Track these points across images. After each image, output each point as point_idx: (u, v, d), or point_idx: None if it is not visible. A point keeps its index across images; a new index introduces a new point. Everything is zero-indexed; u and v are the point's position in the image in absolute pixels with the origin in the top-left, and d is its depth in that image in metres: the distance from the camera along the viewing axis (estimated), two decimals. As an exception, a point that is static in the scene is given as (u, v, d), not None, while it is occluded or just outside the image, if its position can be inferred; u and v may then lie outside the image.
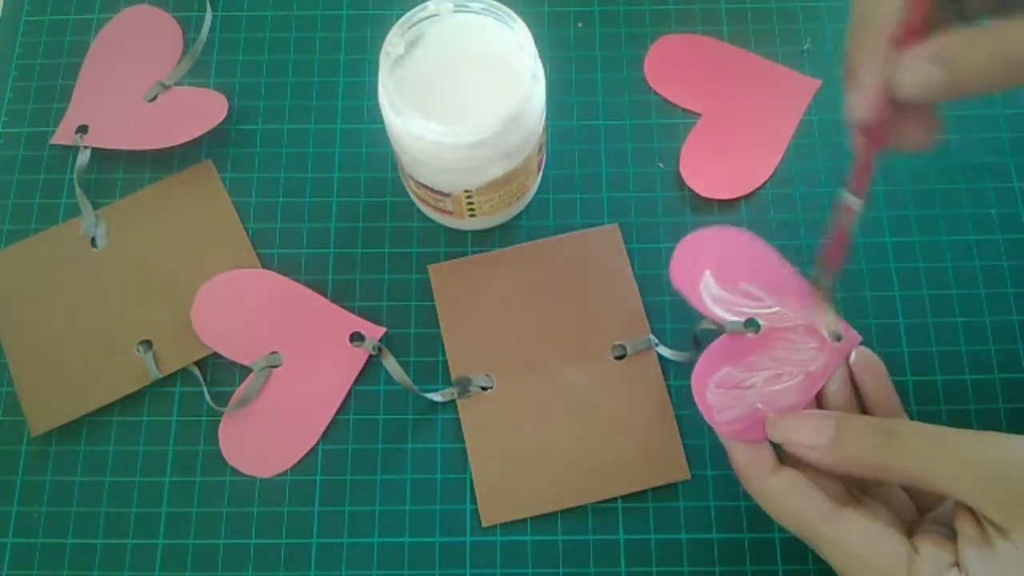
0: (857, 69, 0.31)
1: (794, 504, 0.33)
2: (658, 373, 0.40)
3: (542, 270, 0.42)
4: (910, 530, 0.32)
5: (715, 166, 0.44)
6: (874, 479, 0.33)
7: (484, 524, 0.39)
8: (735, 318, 0.36)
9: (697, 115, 0.45)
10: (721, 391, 0.35)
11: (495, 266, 0.43)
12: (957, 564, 0.29)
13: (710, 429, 0.36)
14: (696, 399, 0.35)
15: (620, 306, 0.41)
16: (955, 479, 0.30)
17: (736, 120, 0.45)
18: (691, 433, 0.40)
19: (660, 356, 0.41)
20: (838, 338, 0.35)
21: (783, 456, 0.34)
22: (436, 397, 0.40)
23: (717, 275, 0.36)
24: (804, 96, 0.46)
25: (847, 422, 0.32)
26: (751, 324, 0.36)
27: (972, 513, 0.30)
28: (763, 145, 0.45)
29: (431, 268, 0.43)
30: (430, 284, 0.43)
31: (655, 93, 0.46)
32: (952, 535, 0.31)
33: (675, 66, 0.46)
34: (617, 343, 0.41)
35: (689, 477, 0.39)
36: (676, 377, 0.41)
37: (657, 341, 0.41)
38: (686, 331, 0.41)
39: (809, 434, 0.33)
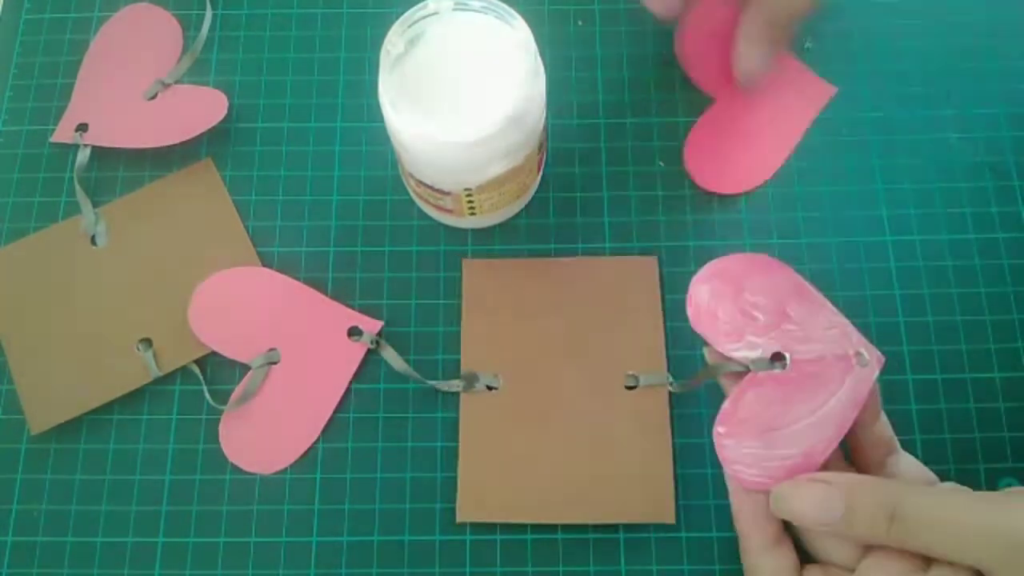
0: None
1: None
2: (665, 411, 0.40)
3: (573, 287, 0.42)
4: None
5: (720, 156, 0.44)
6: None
7: (459, 520, 0.39)
8: (757, 355, 0.34)
9: (710, 99, 0.45)
10: (750, 445, 0.33)
11: (528, 273, 0.42)
12: None
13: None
14: (720, 456, 0.33)
15: (642, 338, 0.41)
16: (965, 551, 0.29)
17: (749, 111, 0.45)
18: (691, 463, 0.39)
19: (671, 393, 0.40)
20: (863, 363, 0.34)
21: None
22: (441, 386, 0.40)
23: (732, 309, 0.35)
24: (819, 100, 0.45)
25: (854, 500, 0.31)
26: (778, 361, 0.34)
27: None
28: (771, 142, 0.45)
29: (464, 262, 0.43)
30: (429, 282, 0.43)
31: (677, 68, 0.46)
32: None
33: (709, 40, 0.45)
34: (630, 373, 0.40)
35: (673, 521, 0.38)
36: (680, 406, 0.40)
37: (672, 380, 0.40)
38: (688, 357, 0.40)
39: (816, 513, 0.31)
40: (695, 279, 0.36)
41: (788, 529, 0.34)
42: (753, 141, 0.45)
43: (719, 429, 0.34)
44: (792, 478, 0.32)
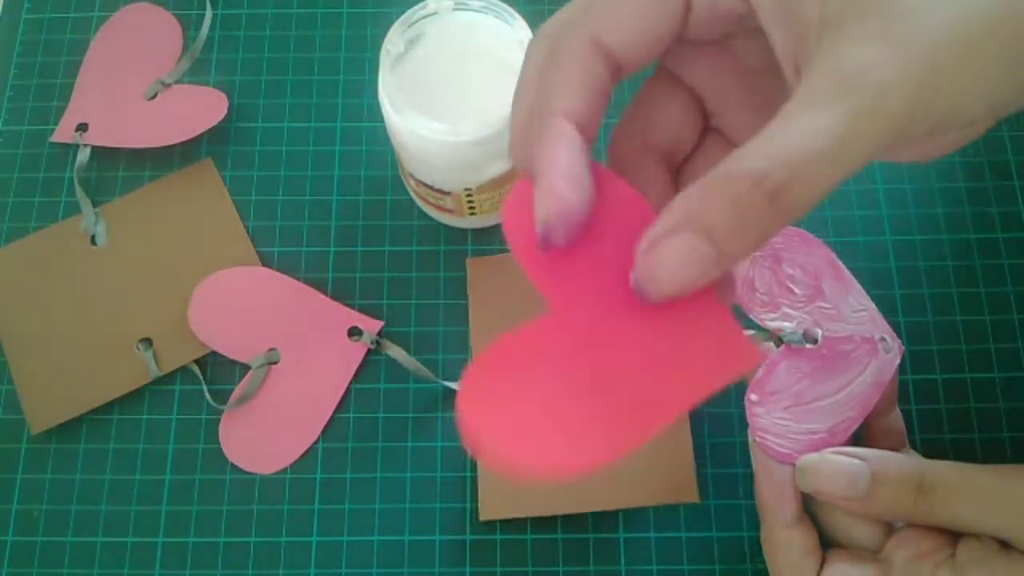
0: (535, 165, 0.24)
1: (785, 567, 0.32)
2: None
3: None
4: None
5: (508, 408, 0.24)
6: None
7: (482, 518, 0.39)
8: (791, 326, 0.34)
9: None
10: (779, 416, 0.33)
11: None
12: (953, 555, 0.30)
13: (712, 458, 0.36)
14: (751, 423, 0.33)
15: None
16: (991, 528, 0.30)
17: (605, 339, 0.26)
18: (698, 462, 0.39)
19: None
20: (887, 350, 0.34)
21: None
22: (452, 384, 0.40)
23: (771, 280, 0.34)
24: (735, 367, 0.25)
25: (881, 474, 0.31)
26: (810, 336, 0.34)
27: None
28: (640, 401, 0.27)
29: (468, 261, 0.43)
30: (429, 282, 0.43)
31: None
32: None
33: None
34: None
35: (697, 499, 0.38)
36: None
37: None
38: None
39: (842, 487, 0.31)
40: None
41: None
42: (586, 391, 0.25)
43: (751, 396, 0.33)
44: (817, 451, 0.32)
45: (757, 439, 0.33)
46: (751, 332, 0.34)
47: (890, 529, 0.32)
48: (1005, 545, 0.30)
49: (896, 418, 0.36)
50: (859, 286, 0.35)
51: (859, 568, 0.32)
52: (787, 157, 0.20)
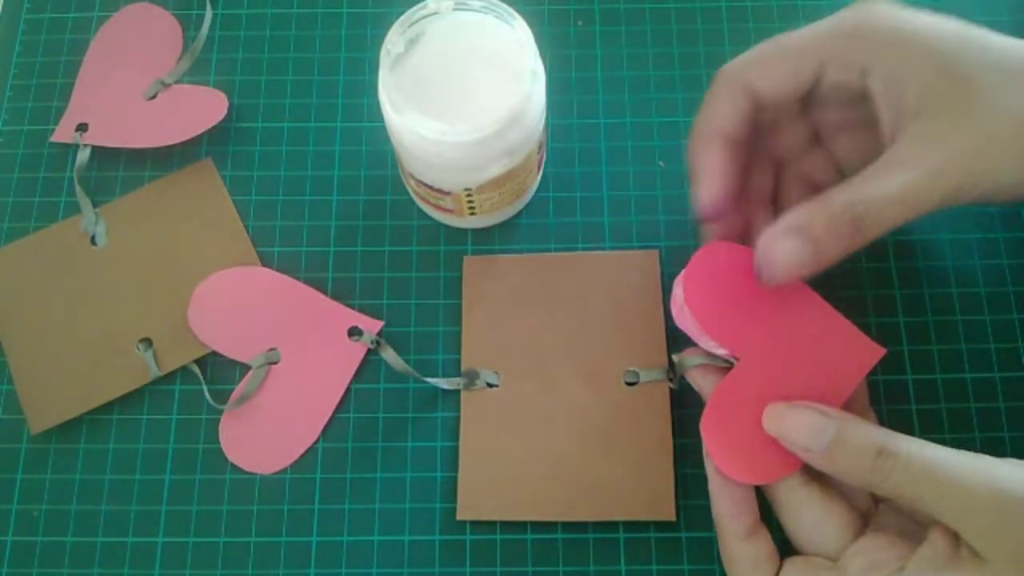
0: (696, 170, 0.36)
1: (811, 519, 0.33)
2: (666, 407, 0.40)
3: (573, 282, 0.42)
4: (867, 520, 0.34)
5: (746, 431, 0.34)
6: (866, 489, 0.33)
7: (459, 518, 0.39)
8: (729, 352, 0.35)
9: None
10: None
11: (528, 268, 0.42)
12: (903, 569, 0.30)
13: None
14: (705, 440, 0.34)
15: (642, 333, 0.41)
16: (941, 508, 0.30)
17: (782, 372, 0.35)
18: (691, 463, 0.39)
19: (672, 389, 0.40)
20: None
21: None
22: (442, 384, 0.40)
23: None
24: (866, 362, 0.36)
25: (846, 431, 0.32)
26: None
27: (951, 532, 0.30)
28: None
29: (466, 259, 0.43)
30: (429, 282, 0.43)
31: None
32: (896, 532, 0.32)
33: (717, 285, 0.36)
34: (631, 369, 0.40)
35: (674, 518, 0.38)
36: (681, 406, 0.40)
37: (673, 376, 0.40)
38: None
39: (805, 437, 0.32)
40: (677, 278, 0.36)
41: (769, 524, 0.35)
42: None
43: (705, 424, 0.35)
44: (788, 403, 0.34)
45: (712, 456, 0.34)
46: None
47: (855, 535, 0.33)
48: (956, 544, 0.30)
49: (871, 419, 0.36)
50: (817, 296, 0.36)
51: (813, 574, 0.32)
52: (871, 197, 0.31)
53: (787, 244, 0.32)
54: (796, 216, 0.32)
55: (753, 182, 0.38)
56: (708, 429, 0.34)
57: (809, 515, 0.33)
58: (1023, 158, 0.31)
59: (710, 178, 0.35)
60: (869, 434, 0.31)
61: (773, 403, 0.34)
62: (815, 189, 0.36)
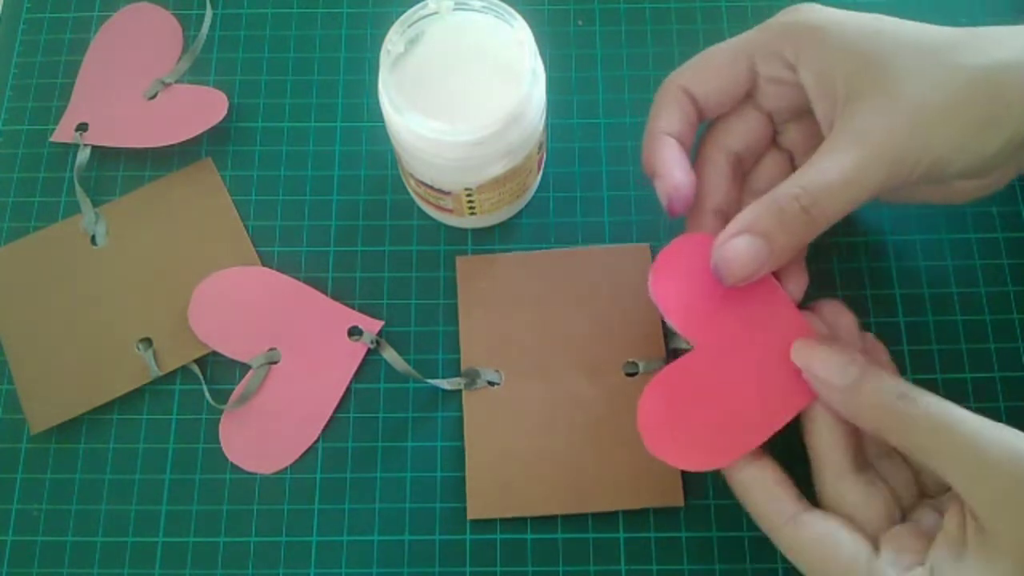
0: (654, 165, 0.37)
1: (757, 501, 0.33)
2: None
3: (567, 278, 0.42)
4: (905, 514, 0.33)
5: (686, 415, 0.34)
6: (881, 440, 0.33)
7: (470, 517, 0.39)
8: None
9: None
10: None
11: (522, 266, 0.42)
12: (924, 564, 0.30)
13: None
14: (639, 414, 0.34)
15: (639, 325, 0.41)
16: (953, 464, 0.30)
17: (732, 364, 0.35)
18: None
19: None
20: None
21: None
22: (443, 384, 0.40)
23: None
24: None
25: (871, 371, 0.32)
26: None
27: (962, 509, 0.30)
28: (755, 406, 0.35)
29: (459, 259, 0.43)
30: (429, 282, 0.43)
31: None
32: (933, 531, 0.31)
33: (687, 274, 0.36)
34: (630, 360, 0.41)
35: (683, 503, 0.38)
36: None
37: None
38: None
39: (832, 371, 0.32)
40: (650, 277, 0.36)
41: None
42: (732, 403, 0.35)
43: (643, 400, 0.35)
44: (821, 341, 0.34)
45: (641, 432, 0.34)
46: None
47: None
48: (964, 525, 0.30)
49: None
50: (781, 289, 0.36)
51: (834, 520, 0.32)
52: (814, 185, 0.32)
53: (739, 243, 0.33)
54: (745, 214, 0.33)
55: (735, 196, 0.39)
56: (645, 405, 0.34)
57: (812, 543, 0.32)
58: (952, 129, 0.32)
59: (667, 169, 0.36)
60: (894, 378, 0.32)
61: (802, 337, 0.34)
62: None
